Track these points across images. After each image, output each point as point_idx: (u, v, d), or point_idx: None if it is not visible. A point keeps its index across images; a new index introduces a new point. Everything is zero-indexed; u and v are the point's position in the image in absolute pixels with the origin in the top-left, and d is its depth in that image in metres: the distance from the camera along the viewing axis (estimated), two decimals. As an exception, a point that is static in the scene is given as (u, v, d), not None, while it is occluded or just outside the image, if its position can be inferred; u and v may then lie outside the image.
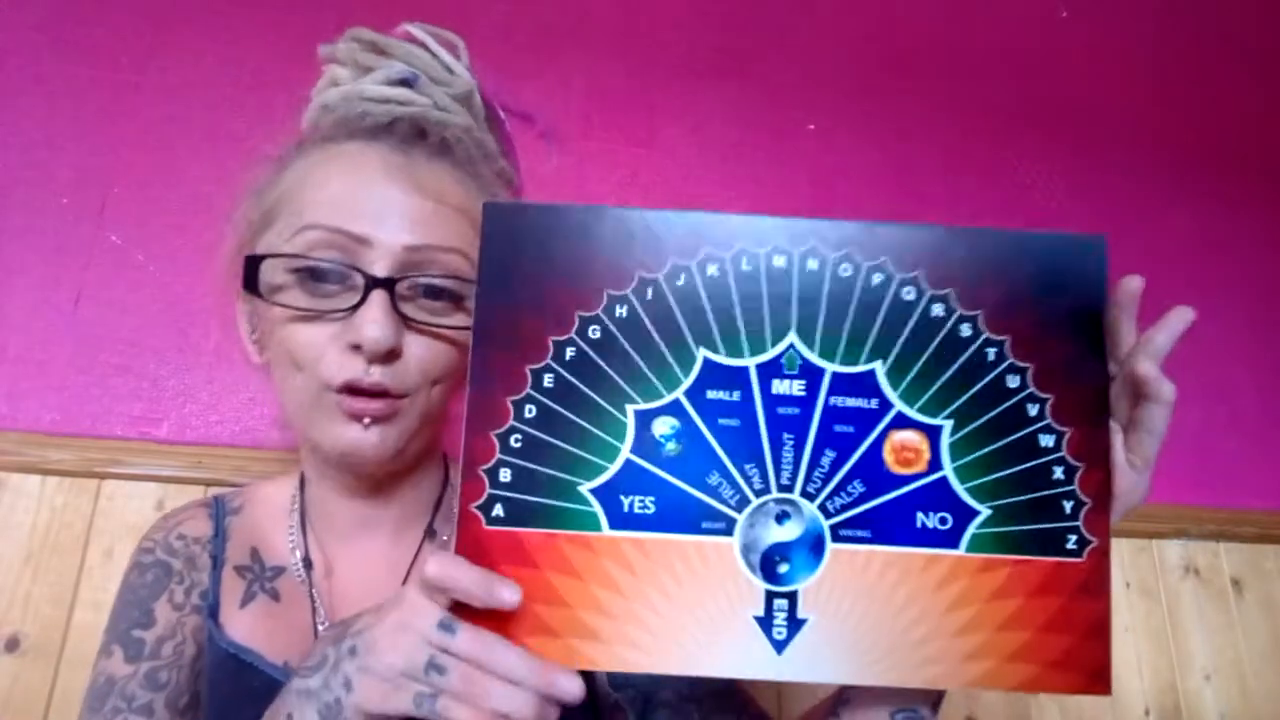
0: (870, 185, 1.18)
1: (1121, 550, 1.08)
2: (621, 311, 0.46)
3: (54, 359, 0.87)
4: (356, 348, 0.52)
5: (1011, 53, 1.30)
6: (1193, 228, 1.27)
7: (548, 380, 0.46)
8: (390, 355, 0.53)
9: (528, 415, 0.45)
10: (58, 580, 0.81)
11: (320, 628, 0.58)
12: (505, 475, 0.45)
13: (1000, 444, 0.46)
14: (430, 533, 0.63)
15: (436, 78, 0.62)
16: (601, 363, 0.46)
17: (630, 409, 0.46)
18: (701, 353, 0.46)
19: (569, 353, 0.46)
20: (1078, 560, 0.45)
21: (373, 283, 0.53)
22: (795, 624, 0.45)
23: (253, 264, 0.55)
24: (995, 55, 1.30)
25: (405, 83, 0.60)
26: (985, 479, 0.46)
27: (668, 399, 0.46)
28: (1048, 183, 1.24)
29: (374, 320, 0.52)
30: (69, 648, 0.79)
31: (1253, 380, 1.21)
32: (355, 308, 0.53)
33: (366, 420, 0.54)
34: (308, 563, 0.61)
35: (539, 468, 0.45)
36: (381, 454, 0.55)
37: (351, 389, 0.53)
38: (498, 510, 0.45)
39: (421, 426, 0.57)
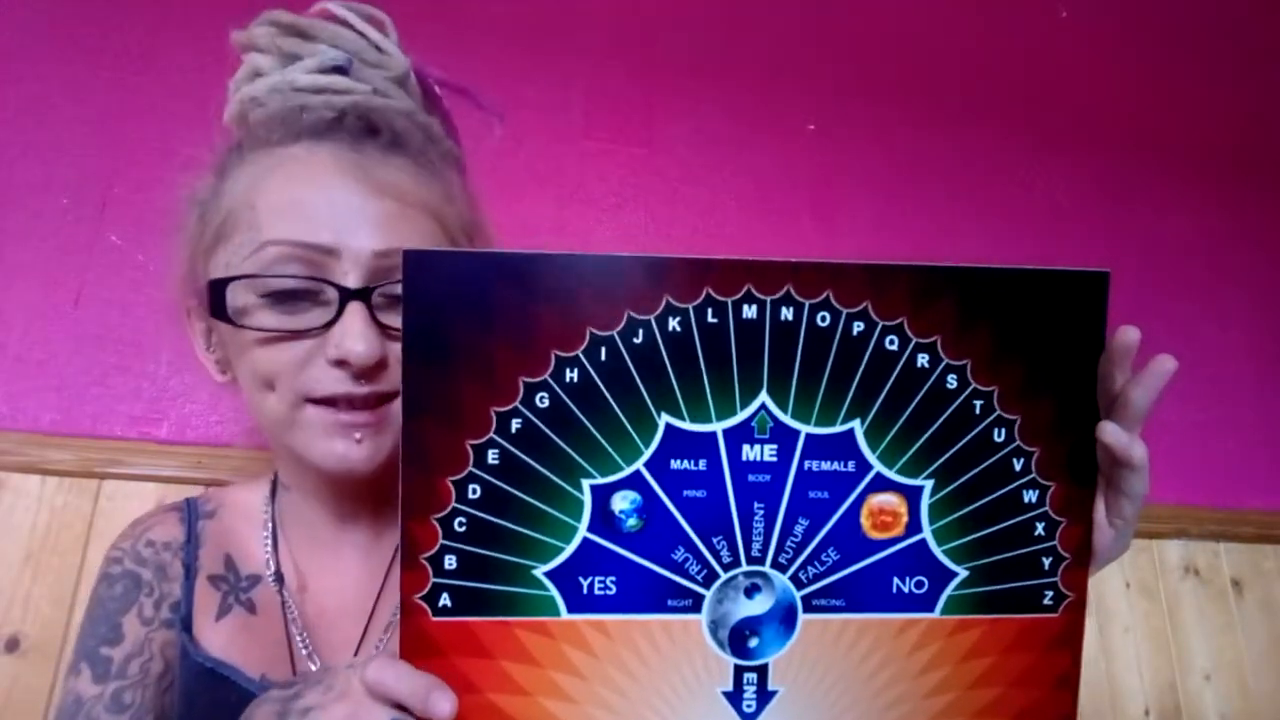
0: (870, 186, 1.18)
1: (1121, 550, 1.08)
2: (572, 375, 0.41)
3: (54, 359, 0.87)
4: (340, 363, 0.50)
5: (1012, 53, 1.30)
6: (1193, 227, 1.27)
7: (492, 456, 0.41)
8: (378, 368, 0.51)
9: (471, 496, 0.41)
10: (58, 580, 0.81)
11: (298, 639, 0.57)
12: (450, 562, 0.41)
13: (982, 502, 0.44)
14: None
15: (369, 60, 0.57)
16: (552, 434, 0.41)
17: (586, 484, 0.42)
18: (663, 419, 0.42)
19: (515, 424, 0.41)
20: (1052, 616, 0.44)
21: (347, 295, 0.50)
22: (765, 697, 0.43)
23: (217, 289, 0.52)
24: (995, 55, 1.30)
25: (339, 69, 0.56)
26: (965, 539, 0.44)
27: (627, 471, 0.42)
28: (1048, 182, 1.24)
29: (357, 334, 0.49)
30: (69, 648, 0.78)
31: (1253, 380, 1.21)
32: (331, 323, 0.50)
33: (358, 435, 0.52)
34: (279, 577, 0.59)
35: (488, 553, 0.41)
36: (373, 466, 0.53)
37: (330, 400, 0.52)
38: (444, 600, 0.41)
39: None
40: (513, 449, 0.41)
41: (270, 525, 0.61)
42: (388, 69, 0.58)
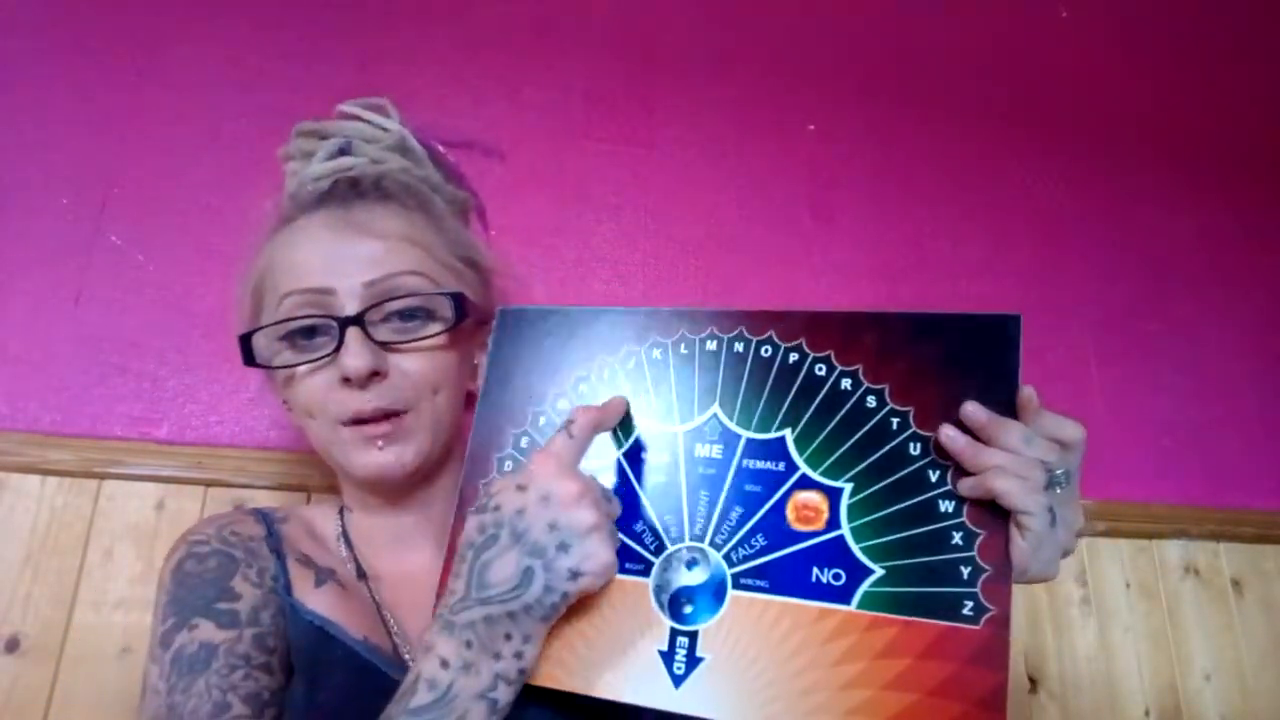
0: (870, 185, 1.18)
1: (1122, 550, 1.08)
2: (584, 388, 0.56)
3: (54, 359, 0.87)
4: (346, 381, 0.59)
5: (1012, 53, 1.30)
6: (1193, 227, 1.27)
7: (524, 442, 0.56)
8: (375, 376, 0.60)
9: (505, 469, 0.56)
10: (58, 580, 0.81)
11: (389, 622, 0.61)
12: None
13: (898, 507, 0.48)
14: None
15: (369, 137, 0.69)
16: None
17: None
18: (641, 421, 0.55)
19: (541, 420, 0.57)
20: (973, 627, 0.45)
21: (343, 322, 0.60)
22: (693, 661, 0.48)
23: (245, 342, 0.63)
24: (996, 55, 1.30)
25: (342, 151, 0.68)
26: (881, 540, 0.48)
27: (611, 458, 0.55)
28: (1048, 182, 1.24)
29: (351, 352, 0.59)
30: (69, 648, 0.79)
31: (1253, 380, 1.21)
32: (336, 350, 0.59)
33: (380, 444, 0.61)
34: (361, 573, 0.64)
35: None
36: (401, 470, 0.61)
37: (359, 420, 0.60)
38: None
39: (435, 436, 0.63)
40: (537, 436, 0.56)
41: (343, 535, 0.68)
42: (383, 141, 0.70)
